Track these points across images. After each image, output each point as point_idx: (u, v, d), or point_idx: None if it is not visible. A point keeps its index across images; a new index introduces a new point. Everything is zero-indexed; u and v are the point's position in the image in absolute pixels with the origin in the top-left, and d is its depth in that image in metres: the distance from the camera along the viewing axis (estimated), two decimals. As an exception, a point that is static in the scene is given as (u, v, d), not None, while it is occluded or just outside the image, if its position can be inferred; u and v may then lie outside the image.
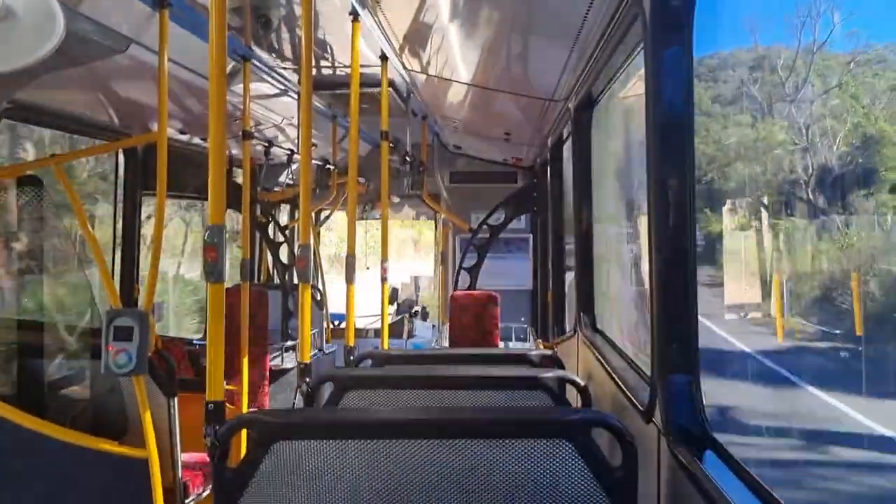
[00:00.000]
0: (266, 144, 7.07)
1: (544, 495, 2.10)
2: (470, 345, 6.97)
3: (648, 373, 2.52)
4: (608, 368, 3.40)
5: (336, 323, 9.10)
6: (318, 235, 9.36)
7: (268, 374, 6.02)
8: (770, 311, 16.60)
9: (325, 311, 7.94)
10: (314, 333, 6.89)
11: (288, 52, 5.03)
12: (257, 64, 5.00)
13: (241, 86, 5.00)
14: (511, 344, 8.21)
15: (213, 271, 2.77)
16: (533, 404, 2.91)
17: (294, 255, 7.30)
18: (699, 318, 2.29)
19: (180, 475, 4.17)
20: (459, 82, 5.61)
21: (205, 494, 4.57)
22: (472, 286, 8.09)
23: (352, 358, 4.20)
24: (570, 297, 5.97)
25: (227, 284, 3.00)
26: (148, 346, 3.62)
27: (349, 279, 4.57)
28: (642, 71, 2.47)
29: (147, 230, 6.34)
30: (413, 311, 9.78)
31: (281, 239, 7.59)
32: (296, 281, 5.63)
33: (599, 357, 3.70)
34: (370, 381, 3.04)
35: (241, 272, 5.48)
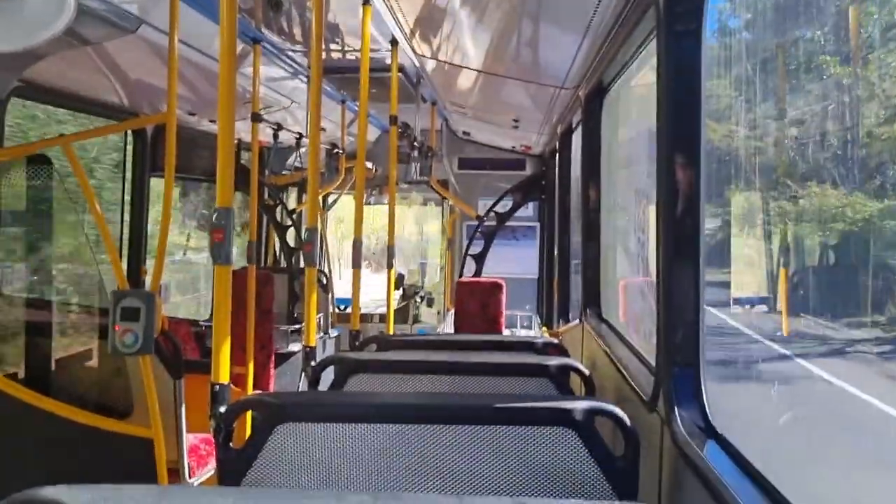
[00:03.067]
0: (275, 127, 7.06)
1: (546, 483, 2.10)
2: (475, 331, 6.98)
3: (653, 362, 2.52)
4: (612, 357, 3.40)
5: (342, 307, 9.12)
6: (324, 220, 9.37)
7: (273, 356, 6.05)
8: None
9: (330, 296, 7.96)
10: (320, 317, 6.92)
11: (298, 35, 5.02)
12: (267, 46, 4.99)
13: (251, 68, 5.00)
14: (516, 331, 8.22)
15: (219, 253, 2.78)
16: (537, 392, 2.92)
17: (301, 238, 7.31)
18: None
19: (185, 455, 4.20)
20: (469, 68, 5.59)
21: (208, 475, 4.60)
22: (478, 273, 8.09)
23: (357, 342, 4.21)
24: (575, 285, 5.97)
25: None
26: (154, 326, 3.64)
27: (356, 264, 4.57)
28: (654, 59, 2.46)
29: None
30: (418, 294, 9.78)
31: (288, 222, 7.60)
32: (302, 265, 5.65)
33: (604, 346, 3.70)
34: (374, 365, 3.05)
35: (248, 255, 5.49)
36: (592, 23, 3.54)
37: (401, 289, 10.02)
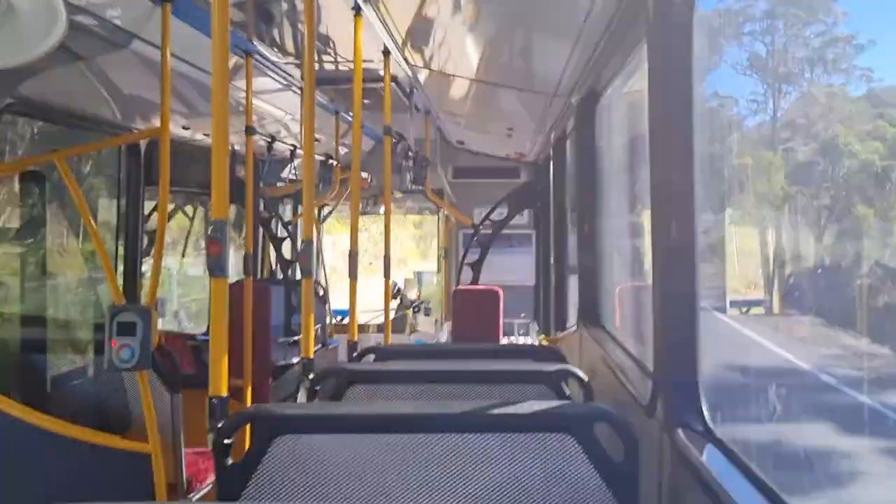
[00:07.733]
0: (269, 140, 7.06)
1: (546, 489, 2.10)
2: (472, 339, 6.97)
3: (650, 367, 2.52)
4: (610, 363, 3.40)
5: (339, 318, 9.10)
6: (320, 231, 9.36)
7: (271, 368, 6.02)
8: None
9: (327, 307, 7.95)
10: (317, 328, 6.90)
11: (290, 47, 5.03)
12: (260, 59, 5.00)
13: (244, 81, 5.00)
14: (513, 339, 8.21)
15: (216, 266, 2.77)
16: (535, 398, 2.91)
17: (297, 250, 7.30)
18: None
19: (183, 470, 4.18)
20: (462, 77, 5.60)
21: (207, 489, 4.58)
22: (475, 281, 8.09)
23: (355, 353, 4.20)
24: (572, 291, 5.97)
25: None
26: (151, 341, 3.62)
27: (352, 275, 4.57)
28: (646, 65, 2.47)
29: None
30: (415, 305, 9.77)
31: (284, 234, 7.59)
32: (298, 276, 5.64)
33: (602, 352, 3.70)
34: (373, 375, 3.04)
35: (245, 267, 5.48)
36: (584, 30, 3.55)
37: (398, 298, 10.01)
